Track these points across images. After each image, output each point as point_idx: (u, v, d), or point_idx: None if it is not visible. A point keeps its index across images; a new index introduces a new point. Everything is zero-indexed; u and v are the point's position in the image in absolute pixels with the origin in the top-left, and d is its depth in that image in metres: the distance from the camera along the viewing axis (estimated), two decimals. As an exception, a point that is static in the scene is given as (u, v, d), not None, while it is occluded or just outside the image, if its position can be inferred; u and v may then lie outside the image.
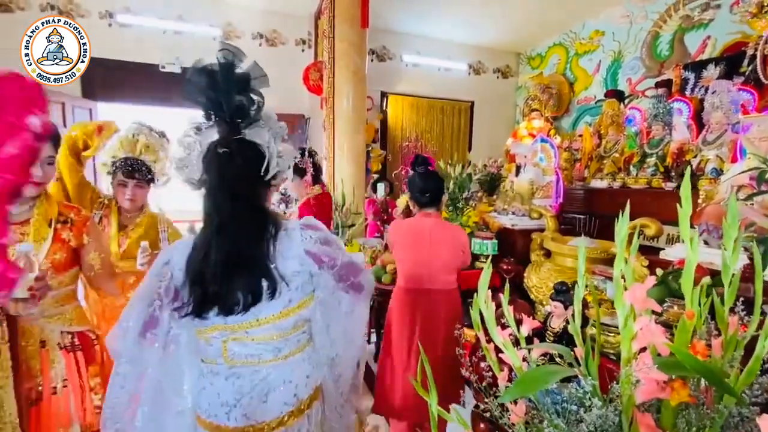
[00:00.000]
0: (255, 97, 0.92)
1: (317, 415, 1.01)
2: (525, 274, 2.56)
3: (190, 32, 4.83)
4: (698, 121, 3.17)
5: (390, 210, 3.93)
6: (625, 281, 0.58)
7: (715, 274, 1.25)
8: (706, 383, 0.58)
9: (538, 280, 2.40)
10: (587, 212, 3.55)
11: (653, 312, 0.56)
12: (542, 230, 2.79)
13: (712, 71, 3.71)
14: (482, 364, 0.73)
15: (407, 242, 1.89)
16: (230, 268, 0.85)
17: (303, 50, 5.41)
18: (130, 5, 4.59)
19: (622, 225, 0.58)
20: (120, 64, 4.60)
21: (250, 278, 0.86)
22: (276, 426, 0.92)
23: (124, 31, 4.61)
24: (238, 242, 0.87)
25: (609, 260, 2.15)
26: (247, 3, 4.99)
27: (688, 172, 0.59)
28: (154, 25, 4.69)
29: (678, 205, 0.58)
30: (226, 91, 0.88)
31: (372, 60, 5.67)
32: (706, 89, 3.33)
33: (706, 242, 1.89)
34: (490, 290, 0.71)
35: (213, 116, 0.91)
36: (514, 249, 2.95)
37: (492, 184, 3.92)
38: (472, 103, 6.66)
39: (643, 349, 0.55)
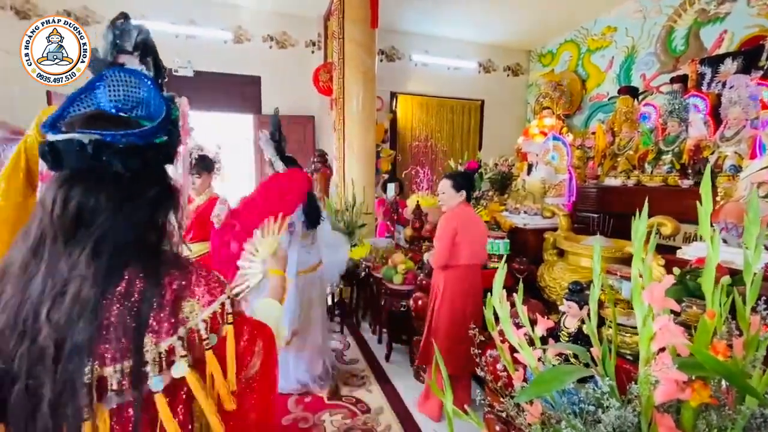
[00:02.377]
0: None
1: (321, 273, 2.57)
2: (538, 274, 2.54)
3: (201, 36, 4.92)
4: (715, 116, 3.10)
5: (400, 210, 3.92)
6: (642, 280, 0.57)
7: (735, 273, 1.22)
8: (727, 384, 0.57)
9: (551, 279, 2.38)
10: (601, 211, 3.50)
11: (671, 312, 0.55)
12: (555, 229, 2.76)
13: (729, 66, 3.62)
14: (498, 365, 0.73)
15: (468, 225, 2.21)
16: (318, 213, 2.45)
17: (313, 52, 5.44)
18: (144, 11, 4.67)
19: (640, 223, 0.58)
20: (134, 69, 4.70)
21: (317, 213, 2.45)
22: (312, 270, 2.48)
23: (138, 36, 4.70)
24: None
25: (624, 259, 2.12)
26: (257, 6, 5.04)
27: (708, 169, 0.58)
28: (167, 30, 4.78)
29: (697, 202, 0.57)
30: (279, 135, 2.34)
31: (381, 60, 5.68)
32: (724, 84, 3.25)
33: (725, 240, 1.85)
34: (504, 290, 0.71)
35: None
36: (526, 248, 2.92)
37: (503, 183, 3.88)
38: (483, 101, 6.62)
39: (662, 350, 0.54)
